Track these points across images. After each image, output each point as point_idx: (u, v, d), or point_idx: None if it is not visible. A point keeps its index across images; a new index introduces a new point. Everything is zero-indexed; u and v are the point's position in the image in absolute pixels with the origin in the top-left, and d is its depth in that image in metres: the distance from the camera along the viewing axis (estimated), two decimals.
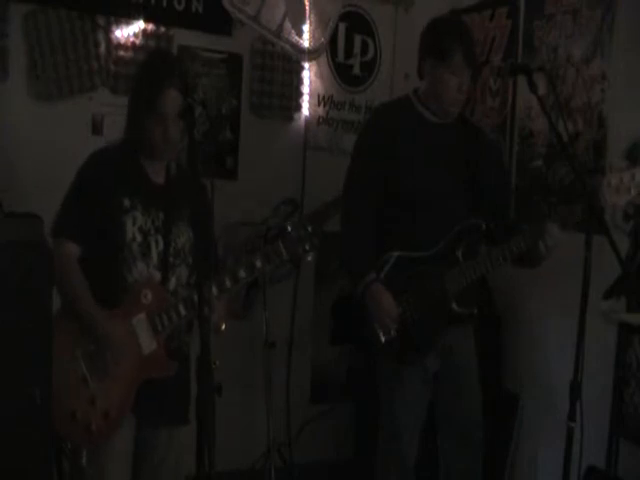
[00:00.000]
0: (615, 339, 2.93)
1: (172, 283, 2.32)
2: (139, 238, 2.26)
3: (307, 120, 4.06)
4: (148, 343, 2.25)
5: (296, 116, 4.05)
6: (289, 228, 2.27)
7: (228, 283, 2.25)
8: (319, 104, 4.12)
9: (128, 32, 3.55)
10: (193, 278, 2.36)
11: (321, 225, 3.77)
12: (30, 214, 3.05)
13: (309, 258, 2.33)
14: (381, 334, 2.62)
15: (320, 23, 4.02)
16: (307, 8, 3.96)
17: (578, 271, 2.16)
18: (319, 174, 3.91)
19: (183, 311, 2.25)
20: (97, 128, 3.50)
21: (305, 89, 4.07)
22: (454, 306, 2.62)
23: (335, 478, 4.01)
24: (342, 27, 4.15)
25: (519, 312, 3.57)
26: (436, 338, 2.65)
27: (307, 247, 2.27)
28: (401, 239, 2.66)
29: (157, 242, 2.29)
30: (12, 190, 3.22)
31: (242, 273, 2.26)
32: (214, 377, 1.82)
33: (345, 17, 4.14)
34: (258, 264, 2.26)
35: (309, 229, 2.26)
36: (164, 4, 3.63)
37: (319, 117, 4.13)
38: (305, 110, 4.06)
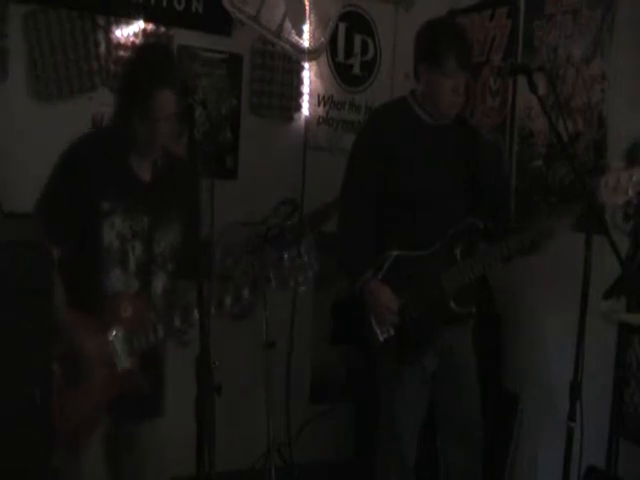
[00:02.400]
0: (615, 339, 2.93)
1: (147, 291, 2.26)
2: (116, 243, 2.20)
3: (307, 120, 4.06)
4: (122, 359, 2.19)
5: (296, 116, 4.05)
6: (285, 255, 2.13)
7: (213, 310, 2.15)
8: (319, 104, 4.12)
9: (128, 32, 3.55)
10: (170, 284, 2.31)
11: (321, 225, 3.79)
12: (30, 214, 3.05)
13: (302, 289, 2.19)
14: (379, 333, 2.62)
15: (320, 23, 4.02)
16: (307, 8, 3.96)
17: (578, 271, 2.16)
18: (319, 174, 3.91)
19: (161, 333, 2.18)
20: (97, 128, 3.49)
21: (305, 89, 4.07)
22: (452, 305, 2.62)
23: (335, 478, 4.01)
24: (342, 27, 4.14)
25: (519, 311, 3.57)
26: (434, 337, 2.66)
27: (300, 280, 2.14)
28: (401, 239, 2.66)
29: (134, 248, 2.22)
30: (12, 190, 3.22)
31: (228, 300, 2.17)
32: (214, 377, 1.82)
33: (345, 17, 4.14)
34: (245, 294, 2.16)
35: (305, 259, 2.13)
36: (164, 4, 3.63)
37: (319, 117, 4.12)
38: (305, 110, 4.06)
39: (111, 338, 2.17)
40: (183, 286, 2.32)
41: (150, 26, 3.60)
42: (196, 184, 2.27)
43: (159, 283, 2.29)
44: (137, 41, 3.56)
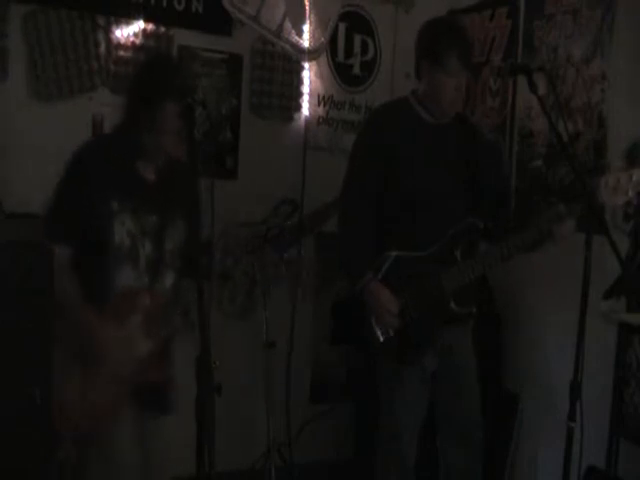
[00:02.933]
0: (615, 339, 2.93)
1: (157, 289, 2.29)
2: (127, 242, 2.23)
3: (307, 120, 4.06)
4: (142, 347, 2.22)
5: (296, 116, 4.05)
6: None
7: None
8: (319, 104, 4.12)
9: (128, 32, 3.55)
10: (178, 281, 2.34)
11: (321, 225, 3.79)
12: (30, 214, 3.05)
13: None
14: (379, 333, 2.62)
15: (320, 23, 4.02)
16: (307, 8, 3.96)
17: (578, 271, 2.16)
18: (319, 174, 3.91)
19: (178, 322, 2.25)
20: (97, 128, 3.49)
21: (305, 89, 4.06)
22: (452, 305, 2.62)
23: (335, 478, 4.00)
24: (342, 27, 4.14)
25: (519, 311, 3.57)
26: (434, 337, 2.66)
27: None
28: (401, 239, 2.66)
29: (144, 246, 2.26)
30: (12, 190, 3.22)
31: (226, 300, 2.24)
32: (214, 377, 1.82)
33: (345, 17, 4.14)
34: (239, 299, 2.25)
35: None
36: (164, 4, 3.63)
37: (319, 117, 4.12)
38: (305, 110, 4.06)
39: (129, 325, 2.21)
40: (186, 285, 2.35)
41: (150, 26, 3.60)
42: (196, 184, 2.27)
43: (168, 281, 2.32)
44: (137, 41, 3.56)
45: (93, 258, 2.22)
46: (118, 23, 3.53)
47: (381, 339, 2.62)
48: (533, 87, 2.29)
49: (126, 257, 2.23)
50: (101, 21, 3.50)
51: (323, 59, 4.10)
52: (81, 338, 2.19)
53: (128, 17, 3.54)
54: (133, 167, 2.29)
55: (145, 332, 2.23)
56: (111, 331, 2.20)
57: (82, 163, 2.25)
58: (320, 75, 4.12)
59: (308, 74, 4.07)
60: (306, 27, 3.97)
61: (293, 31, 3.92)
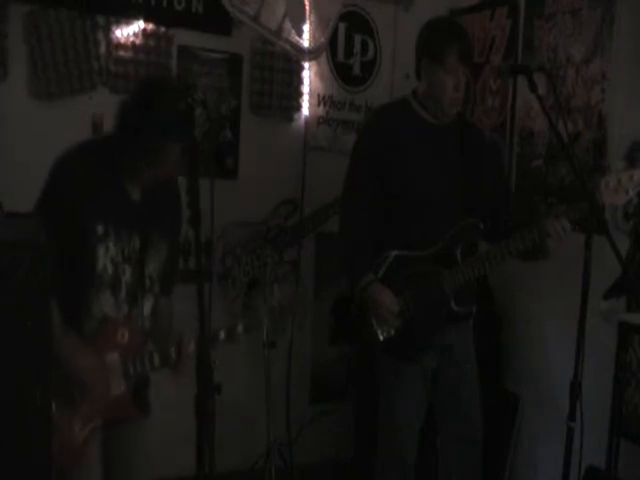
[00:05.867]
0: (615, 339, 2.93)
1: (137, 315, 2.23)
2: (110, 269, 2.14)
3: (307, 120, 4.06)
4: (117, 385, 2.15)
5: (296, 116, 4.05)
6: (276, 305, 2.32)
7: (223, 335, 2.22)
8: (319, 104, 4.12)
9: (128, 32, 3.55)
10: (156, 304, 2.29)
11: (320, 225, 3.79)
12: (30, 214, 3.05)
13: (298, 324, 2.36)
14: (379, 333, 2.62)
15: (320, 23, 4.01)
16: (307, 8, 3.96)
17: (578, 271, 2.16)
18: (319, 174, 3.91)
19: (157, 362, 2.18)
20: (97, 128, 3.49)
21: (305, 89, 4.06)
22: (452, 305, 2.62)
23: (335, 478, 4.01)
24: (342, 27, 4.14)
25: (519, 312, 3.57)
26: (435, 337, 2.66)
27: (293, 320, 2.30)
28: (400, 239, 2.66)
29: (125, 272, 2.17)
30: (12, 190, 3.22)
31: (222, 335, 2.22)
32: (214, 376, 1.82)
33: (345, 17, 4.13)
34: (239, 329, 2.23)
35: (294, 300, 2.28)
36: (164, 4, 3.63)
37: (319, 117, 4.12)
38: (305, 110, 4.06)
39: (107, 361, 2.14)
40: (165, 307, 2.33)
41: (150, 26, 3.60)
42: (179, 202, 2.28)
43: (147, 305, 2.26)
44: (137, 41, 3.56)
45: (71, 283, 2.11)
46: (118, 23, 3.53)
47: (381, 338, 2.62)
48: (533, 87, 2.29)
49: (106, 283, 2.14)
50: (101, 21, 3.49)
51: (323, 59, 4.10)
52: (59, 364, 1.99)
53: (128, 17, 3.54)
54: (121, 186, 2.18)
55: (122, 372, 2.16)
56: (91, 361, 2.11)
57: (67, 179, 2.13)
58: (320, 75, 4.12)
59: (308, 74, 4.07)
60: (306, 27, 3.96)
61: (293, 31, 3.92)
